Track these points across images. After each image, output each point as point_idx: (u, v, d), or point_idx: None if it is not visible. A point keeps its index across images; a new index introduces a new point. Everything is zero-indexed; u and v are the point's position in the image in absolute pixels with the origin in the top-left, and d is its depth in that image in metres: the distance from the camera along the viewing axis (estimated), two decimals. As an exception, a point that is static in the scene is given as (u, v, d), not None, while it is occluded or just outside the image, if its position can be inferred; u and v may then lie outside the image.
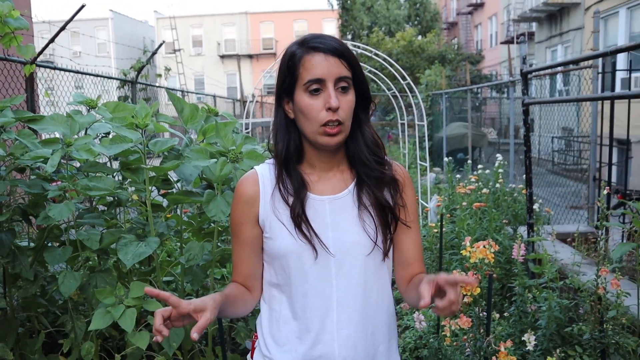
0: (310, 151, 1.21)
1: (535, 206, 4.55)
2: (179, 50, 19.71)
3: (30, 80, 3.94)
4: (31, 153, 1.94)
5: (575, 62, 3.76)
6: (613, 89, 4.20)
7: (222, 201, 1.73)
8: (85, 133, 2.05)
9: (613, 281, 1.99)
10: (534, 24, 20.68)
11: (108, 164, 2.46)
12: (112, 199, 2.33)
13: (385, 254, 1.22)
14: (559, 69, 9.06)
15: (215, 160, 1.82)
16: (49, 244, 2.19)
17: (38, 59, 3.64)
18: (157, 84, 7.09)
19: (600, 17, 13.10)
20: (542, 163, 12.91)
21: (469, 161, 7.02)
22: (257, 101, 13.09)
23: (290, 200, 1.18)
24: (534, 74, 4.50)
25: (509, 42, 22.96)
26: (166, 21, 31.59)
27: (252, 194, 1.22)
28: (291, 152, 1.20)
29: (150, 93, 7.70)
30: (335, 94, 1.11)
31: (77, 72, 4.24)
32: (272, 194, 1.21)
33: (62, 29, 3.92)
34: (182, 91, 7.36)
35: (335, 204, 1.21)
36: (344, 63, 1.13)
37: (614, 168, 6.06)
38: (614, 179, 7.79)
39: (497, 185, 4.79)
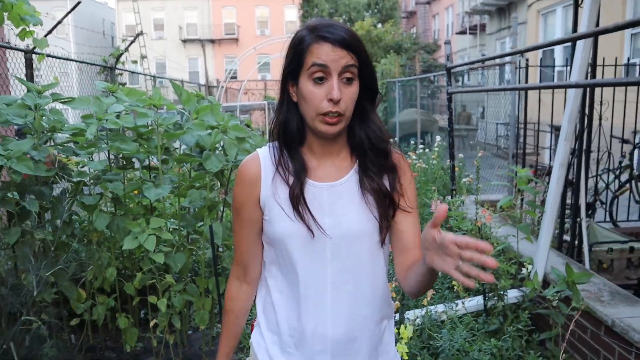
0: (311, 136, 1.22)
1: (466, 179, 5.44)
2: (142, 34, 19.85)
3: (30, 67, 4.51)
4: (69, 125, 2.61)
5: (492, 59, 4.60)
6: (526, 82, 5.07)
7: (215, 159, 2.45)
8: (107, 111, 2.72)
9: (488, 218, 2.82)
10: (486, 16, 21.81)
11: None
12: (123, 163, 3.01)
13: (383, 241, 1.24)
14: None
15: (210, 131, 2.54)
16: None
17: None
18: (129, 70, 7.65)
19: (541, 14, 14.19)
20: (488, 148, 13.93)
21: (412, 142, 7.86)
22: (222, 86, 13.61)
23: (291, 181, 1.21)
24: (456, 69, 5.32)
25: (463, 32, 24.12)
26: (127, 3, 31.35)
27: (254, 175, 1.24)
28: (293, 133, 1.21)
29: (118, 77, 8.22)
30: (338, 85, 1.12)
31: (71, 59, 4.81)
32: (274, 176, 1.23)
33: (59, 23, 4.50)
34: (154, 77, 7.91)
35: (334, 191, 1.22)
36: (351, 54, 1.13)
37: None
38: (546, 160, 8.77)
39: (434, 162, 5.64)
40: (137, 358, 3.12)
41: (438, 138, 6.23)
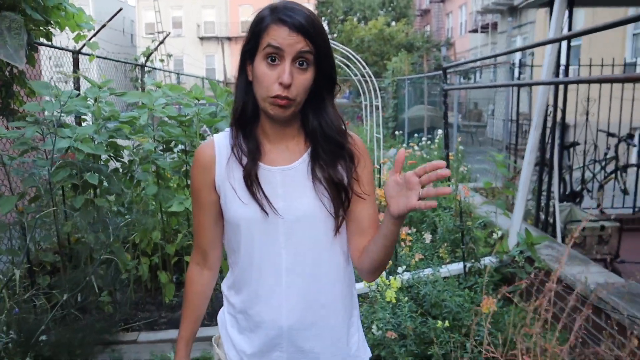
0: (264, 118, 1.22)
1: (463, 169, 5.97)
2: (165, 34, 20.54)
3: (77, 64, 5.14)
4: (124, 114, 3.22)
5: (486, 58, 5.13)
6: (519, 79, 5.59)
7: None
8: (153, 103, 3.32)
9: (466, 193, 3.37)
10: (498, 15, 22.18)
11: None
12: (163, 147, 3.62)
13: (337, 229, 1.23)
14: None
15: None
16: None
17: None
18: (157, 67, 8.29)
19: (548, 14, 14.57)
20: (495, 143, 14.40)
21: (415, 136, 8.40)
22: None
23: (245, 162, 1.21)
24: (458, 68, 5.82)
25: (475, 31, 24.51)
26: (147, 2, 32.18)
27: (208, 160, 1.24)
28: (248, 114, 1.21)
29: (143, 74, 8.88)
30: (290, 70, 1.11)
31: (110, 59, 5.44)
32: (228, 160, 1.23)
33: (103, 27, 5.12)
34: (178, 74, 8.54)
35: (287, 175, 1.22)
36: (308, 41, 1.11)
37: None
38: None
39: (435, 152, 6.19)
40: (172, 309, 3.73)
41: (440, 131, 6.77)
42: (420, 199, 1.03)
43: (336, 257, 1.26)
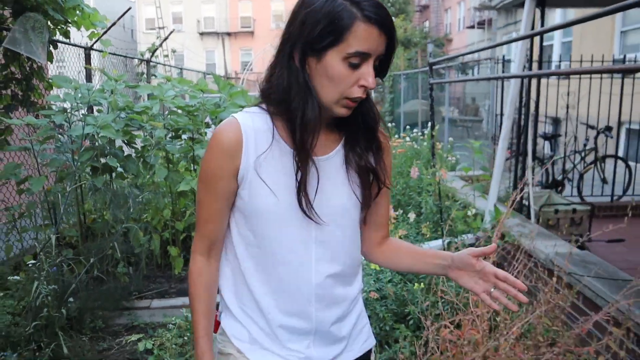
0: None
1: (451, 158, 6.36)
2: (166, 29, 20.87)
3: (89, 60, 5.52)
4: (139, 104, 3.60)
5: (469, 54, 5.51)
6: (503, 72, 5.96)
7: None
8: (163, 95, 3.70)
9: (444, 174, 3.76)
10: (494, 12, 22.44)
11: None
12: (172, 135, 4.00)
13: (365, 219, 1.24)
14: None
15: (241, 109, 3.51)
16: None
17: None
18: (164, 63, 8.68)
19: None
20: (490, 136, 14.73)
21: (407, 128, 8.77)
22: (239, 78, 14.59)
23: (281, 153, 1.12)
24: (438, 65, 6.18)
25: (472, 27, 24.82)
26: (147, -3, 32.55)
27: (234, 145, 1.10)
28: (309, 113, 1.07)
29: (149, 69, 9.27)
30: (372, 72, 1.05)
31: (118, 54, 5.82)
32: (256, 147, 1.11)
33: (113, 25, 5.49)
34: (181, 68, 8.92)
35: (322, 166, 1.15)
36: (389, 41, 1.05)
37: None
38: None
39: (425, 143, 6.57)
40: (181, 281, 4.13)
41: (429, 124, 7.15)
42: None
43: (356, 249, 1.27)
